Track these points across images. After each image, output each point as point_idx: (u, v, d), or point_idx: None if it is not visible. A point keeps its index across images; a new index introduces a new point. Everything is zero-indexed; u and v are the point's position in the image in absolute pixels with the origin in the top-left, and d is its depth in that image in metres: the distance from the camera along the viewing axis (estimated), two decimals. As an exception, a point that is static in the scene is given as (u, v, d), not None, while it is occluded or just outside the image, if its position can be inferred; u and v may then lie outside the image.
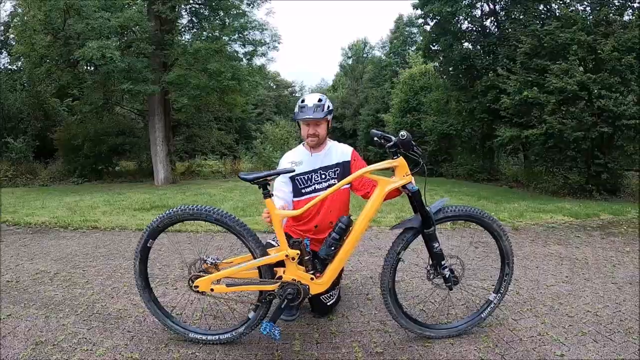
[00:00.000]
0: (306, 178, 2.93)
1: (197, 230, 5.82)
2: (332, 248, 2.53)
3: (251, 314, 2.62)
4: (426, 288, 3.49)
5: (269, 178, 2.49)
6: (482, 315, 2.72)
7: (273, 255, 2.51)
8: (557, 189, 11.58)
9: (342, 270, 3.10)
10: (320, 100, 2.84)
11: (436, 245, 2.55)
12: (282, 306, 2.49)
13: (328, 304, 2.93)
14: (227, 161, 22.98)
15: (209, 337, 2.61)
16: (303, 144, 3.06)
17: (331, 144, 3.03)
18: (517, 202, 8.69)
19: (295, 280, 2.51)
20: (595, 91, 9.67)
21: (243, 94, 17.35)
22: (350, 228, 2.56)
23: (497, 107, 12.57)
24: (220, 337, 2.60)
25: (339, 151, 3.00)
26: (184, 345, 2.58)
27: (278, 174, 2.59)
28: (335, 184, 2.84)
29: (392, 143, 2.46)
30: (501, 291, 2.71)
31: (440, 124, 19.21)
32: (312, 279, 2.53)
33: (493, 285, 3.49)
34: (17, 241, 5.46)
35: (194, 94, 13.99)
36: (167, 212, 2.53)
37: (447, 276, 2.60)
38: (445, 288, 2.65)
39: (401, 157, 2.50)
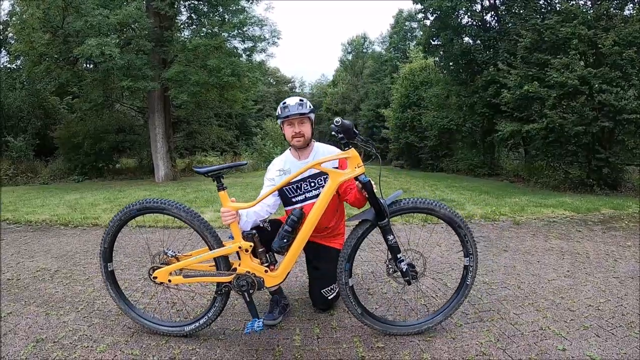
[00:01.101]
0: (295, 187, 2.90)
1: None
2: (285, 240, 2.54)
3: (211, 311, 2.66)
4: (427, 283, 3.50)
5: (222, 171, 2.51)
6: (467, 283, 2.67)
7: (227, 247, 2.54)
8: (558, 183, 11.55)
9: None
10: (301, 100, 2.84)
11: (391, 238, 2.52)
12: (248, 300, 2.52)
13: (329, 297, 2.92)
14: (228, 157, 23.00)
15: (201, 322, 2.61)
16: (290, 150, 3.03)
17: (317, 147, 2.99)
18: (518, 197, 8.68)
19: (249, 272, 2.53)
20: (596, 85, 9.62)
21: (243, 90, 17.32)
22: (303, 220, 2.57)
23: (498, 102, 12.53)
24: (209, 316, 2.61)
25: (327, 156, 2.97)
26: (184, 342, 2.58)
27: (230, 167, 2.62)
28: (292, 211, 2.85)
29: (341, 135, 2.44)
30: (470, 253, 2.63)
31: (440, 119, 19.19)
32: (266, 271, 2.55)
33: (501, 280, 3.50)
34: (17, 239, 5.46)
35: (194, 90, 13.94)
36: (106, 230, 2.63)
37: (404, 270, 2.56)
38: (404, 283, 2.61)
39: (352, 148, 2.49)
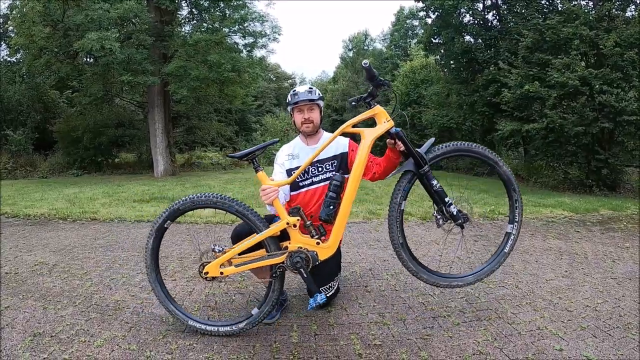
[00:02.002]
0: (303, 172, 2.90)
1: (197, 222, 5.82)
2: (331, 207, 2.55)
3: (254, 311, 2.62)
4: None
5: (256, 153, 2.55)
6: (505, 250, 2.70)
7: (274, 226, 2.53)
8: (557, 183, 11.56)
9: (340, 258, 3.10)
10: (310, 88, 2.90)
11: (435, 182, 2.54)
12: (305, 276, 2.52)
13: (327, 295, 2.91)
14: (227, 153, 22.96)
15: (208, 327, 2.61)
16: (299, 136, 3.06)
17: (326, 136, 3.03)
18: (517, 197, 8.67)
19: (301, 248, 2.53)
20: (597, 86, 9.62)
21: (243, 86, 17.27)
22: (345, 185, 2.58)
23: (498, 101, 12.51)
24: (220, 329, 2.60)
25: (335, 143, 2.97)
26: (182, 337, 2.58)
27: (263, 147, 2.61)
28: (332, 176, 2.84)
29: (366, 94, 2.52)
30: (516, 220, 2.66)
31: (440, 118, 19.17)
32: (317, 243, 2.55)
33: (499, 280, 3.49)
34: (16, 233, 5.46)
35: (194, 86, 13.92)
36: (190, 196, 2.56)
37: (454, 213, 2.55)
38: (457, 227, 2.60)
39: (378, 105, 2.54)
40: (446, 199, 2.56)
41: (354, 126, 2.59)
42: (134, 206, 7.36)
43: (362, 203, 7.39)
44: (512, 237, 2.68)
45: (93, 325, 2.74)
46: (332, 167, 2.91)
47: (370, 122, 2.62)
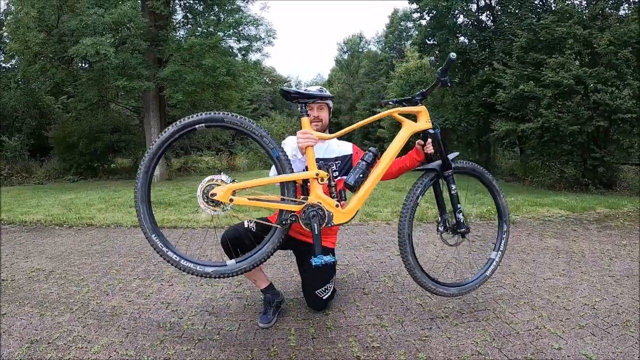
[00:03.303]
0: (307, 168, 2.89)
1: (195, 227, 5.81)
2: (361, 175, 2.56)
3: (230, 261, 2.47)
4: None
5: (310, 99, 2.53)
6: (487, 274, 2.89)
7: (301, 173, 2.51)
8: (553, 182, 11.61)
9: (335, 260, 3.09)
10: (321, 88, 2.92)
11: (454, 187, 2.67)
12: (316, 232, 2.42)
13: (324, 298, 2.90)
14: (223, 157, 22.95)
15: (169, 253, 2.38)
16: None
17: (332, 140, 3.01)
18: (514, 196, 8.69)
19: (320, 203, 2.48)
20: (591, 85, 9.67)
21: (238, 90, 17.33)
22: (378, 160, 2.63)
23: (493, 101, 12.56)
24: (181, 262, 2.39)
25: (339, 146, 3.03)
26: (179, 342, 2.57)
27: (318, 97, 2.61)
28: (336, 176, 2.84)
29: (419, 93, 2.71)
30: (501, 249, 2.89)
31: (436, 119, 19.21)
32: (336, 205, 2.53)
33: (496, 280, 3.50)
34: (12, 240, 5.43)
35: (189, 90, 13.93)
36: (241, 117, 2.39)
37: (461, 220, 2.69)
38: (457, 235, 2.75)
39: (423, 105, 2.70)
40: (458, 205, 2.69)
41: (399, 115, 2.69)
42: (131, 211, 7.33)
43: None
44: (494, 262, 2.93)
45: (90, 331, 2.72)
46: (336, 167, 2.93)
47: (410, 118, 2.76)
